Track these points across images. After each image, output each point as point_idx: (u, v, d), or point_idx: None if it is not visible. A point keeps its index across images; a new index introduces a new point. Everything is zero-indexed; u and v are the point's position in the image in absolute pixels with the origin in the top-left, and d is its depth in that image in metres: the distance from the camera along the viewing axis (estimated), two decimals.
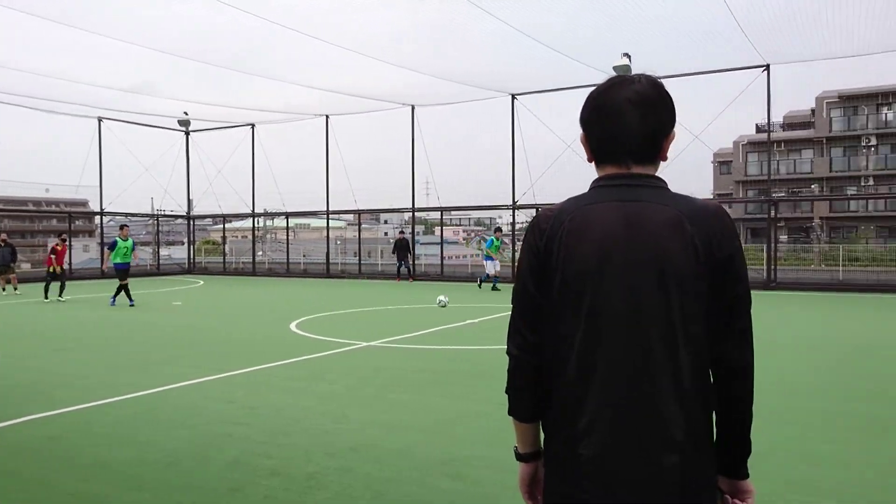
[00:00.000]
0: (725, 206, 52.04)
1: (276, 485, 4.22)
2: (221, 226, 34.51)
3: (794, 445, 4.97)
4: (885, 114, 47.86)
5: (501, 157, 25.01)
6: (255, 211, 30.16)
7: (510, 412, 1.74)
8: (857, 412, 5.92)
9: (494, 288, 19.85)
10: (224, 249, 34.47)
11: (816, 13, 16.31)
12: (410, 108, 25.24)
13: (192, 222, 33.05)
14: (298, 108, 25.59)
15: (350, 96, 22.76)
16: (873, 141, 47.47)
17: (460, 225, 79.55)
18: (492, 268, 20.31)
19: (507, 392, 1.74)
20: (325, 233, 29.87)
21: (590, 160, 1.71)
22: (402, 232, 26.85)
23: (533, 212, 25.51)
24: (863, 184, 47.32)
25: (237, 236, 45.00)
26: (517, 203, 23.73)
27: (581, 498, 1.53)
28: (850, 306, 15.47)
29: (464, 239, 70.62)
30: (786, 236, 46.16)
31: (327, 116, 27.05)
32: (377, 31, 17.91)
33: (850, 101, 48.63)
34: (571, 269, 1.58)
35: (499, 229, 22.66)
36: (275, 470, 4.49)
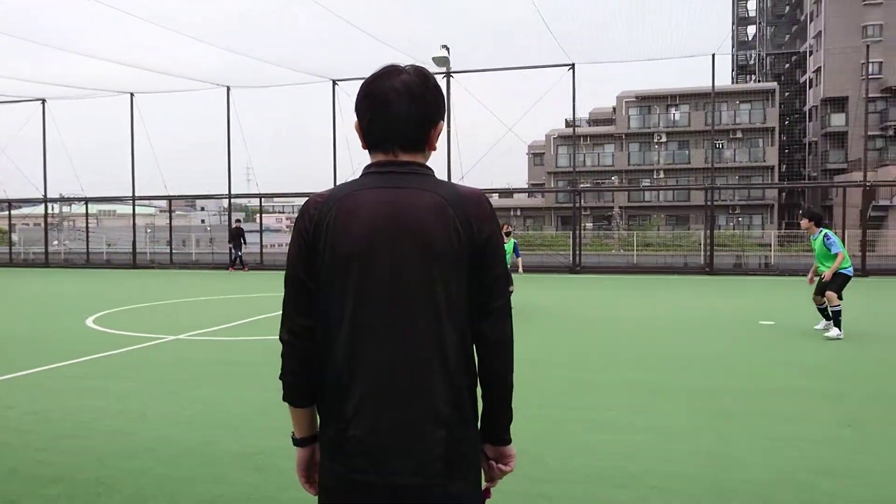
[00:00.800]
0: (538, 196, 55.36)
1: (58, 493, 3.87)
2: (7, 212, 30.85)
3: (583, 414, 5.42)
4: (674, 114, 53.31)
5: (324, 144, 24.75)
6: (49, 196, 27.29)
7: (284, 398, 1.75)
8: (642, 380, 6.57)
9: None
10: (10, 238, 30.87)
11: (616, 20, 17.76)
12: (226, 88, 24.10)
13: None
14: (99, 83, 23.47)
15: (160, 74, 21.26)
16: (664, 138, 52.71)
17: (283, 213, 77.44)
18: None
19: (280, 378, 1.74)
20: (132, 220, 27.73)
21: (364, 147, 1.74)
22: (238, 220, 25.74)
23: None
24: (655, 176, 52.43)
25: (28, 224, 40.45)
26: None
27: (352, 477, 1.57)
28: (641, 287, 17.11)
29: (287, 227, 68.85)
30: (591, 224, 50.02)
31: (132, 94, 25.07)
32: (190, 7, 16.89)
33: (645, 102, 53.59)
34: (337, 254, 1.60)
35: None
36: (58, 477, 4.11)
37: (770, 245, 28.56)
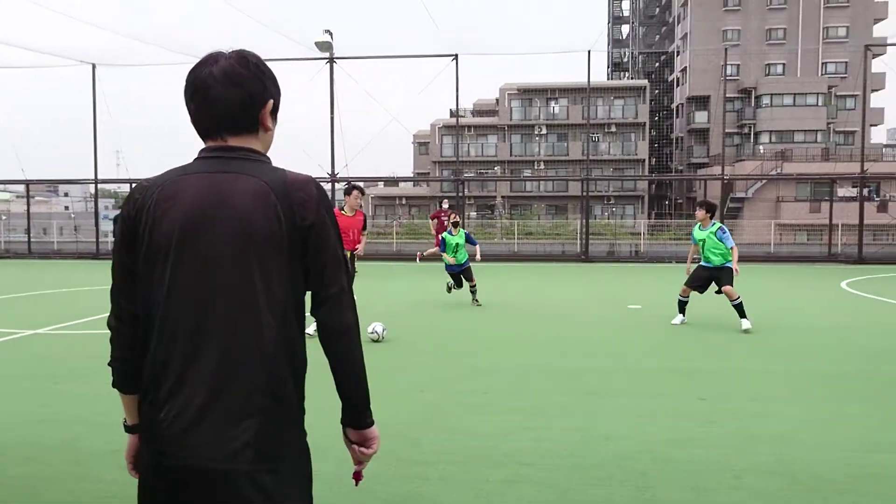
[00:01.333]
0: (423, 185, 55.59)
1: None
2: None
3: (461, 398, 5.57)
4: (553, 107, 55.18)
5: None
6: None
7: (113, 384, 1.74)
8: (518, 364, 6.82)
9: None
10: None
11: (500, 14, 18.11)
12: (91, 66, 22.54)
13: None
14: None
15: (18, 48, 19.57)
16: (544, 130, 54.47)
17: None
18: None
19: (109, 364, 1.73)
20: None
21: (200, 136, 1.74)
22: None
23: None
24: (536, 167, 54.14)
25: None
26: None
27: (165, 463, 1.56)
28: (521, 274, 17.66)
29: None
30: (475, 212, 50.96)
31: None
32: None
33: (527, 94, 55.11)
34: (156, 239, 1.60)
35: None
36: None
37: (640, 234, 30.25)
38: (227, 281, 1.57)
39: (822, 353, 7.50)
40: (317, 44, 21.51)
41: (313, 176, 1.68)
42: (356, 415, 1.76)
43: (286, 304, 1.62)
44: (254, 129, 1.70)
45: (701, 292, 9.29)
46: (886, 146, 52.50)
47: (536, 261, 22.62)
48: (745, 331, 8.59)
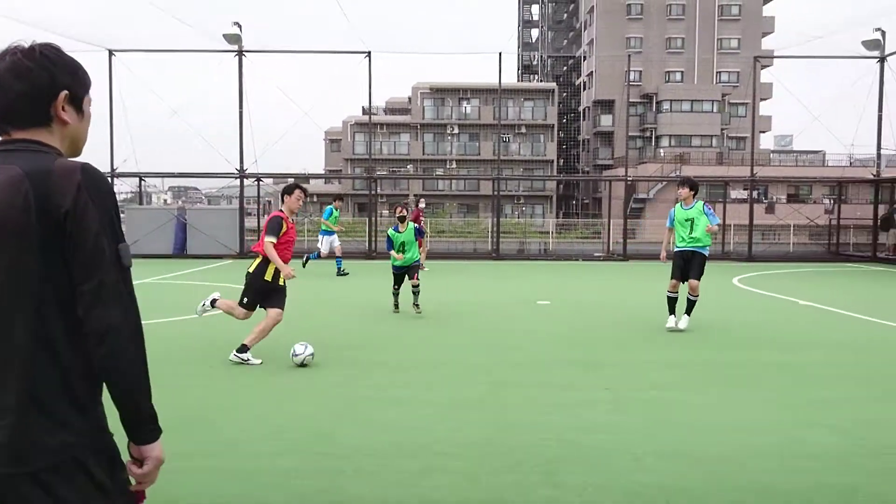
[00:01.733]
0: (335, 183, 54.88)
1: None
2: None
3: (378, 392, 5.61)
4: (465, 107, 55.82)
5: (100, 120, 22.40)
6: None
7: None
8: (433, 359, 6.92)
9: (342, 273, 16.12)
10: None
11: (413, 14, 18.17)
12: None
13: None
14: None
15: None
16: (456, 130, 55.02)
17: None
18: (327, 245, 16.29)
19: None
20: None
21: None
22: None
23: (136, 181, 23.61)
24: (448, 166, 54.60)
25: None
26: (116, 171, 21.69)
27: None
28: (433, 272, 17.80)
29: None
30: (387, 210, 50.89)
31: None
32: None
33: (439, 94, 55.50)
34: None
35: (339, 198, 18.06)
36: None
37: (549, 232, 31.11)
38: None
39: (714, 343, 7.99)
40: (225, 36, 20.93)
41: (88, 163, 1.59)
42: (129, 429, 1.61)
43: (42, 300, 1.52)
44: (44, 122, 1.64)
45: (683, 282, 8.86)
46: (774, 152, 56.06)
47: (449, 259, 22.85)
48: (681, 329, 8.50)
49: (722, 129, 54.88)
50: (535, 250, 26.24)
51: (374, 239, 23.14)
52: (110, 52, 21.24)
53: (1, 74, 1.61)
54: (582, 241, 30.80)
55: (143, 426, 1.62)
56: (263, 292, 6.72)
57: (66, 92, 1.64)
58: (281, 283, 6.72)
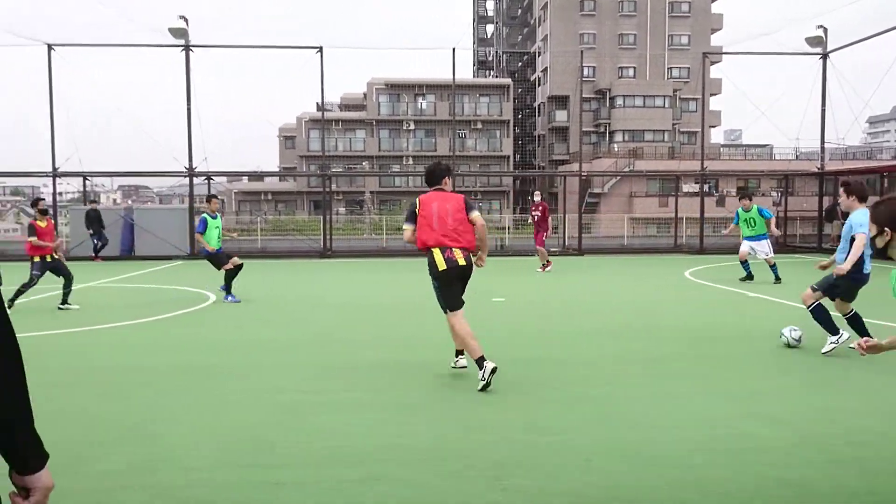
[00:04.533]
0: (290, 180, 54.16)
1: None
2: None
3: (322, 397, 5.45)
4: (421, 103, 55.62)
5: (40, 117, 21.55)
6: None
7: None
8: (382, 360, 6.78)
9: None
10: None
11: (366, 8, 17.96)
12: None
13: None
14: None
15: None
16: (412, 125, 54.80)
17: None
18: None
19: None
20: None
21: None
22: (93, 201, 21.80)
23: (80, 181, 22.84)
24: (404, 162, 54.36)
25: None
26: (58, 171, 20.93)
27: None
28: (389, 270, 17.65)
29: None
30: (343, 208, 50.43)
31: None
32: None
33: (395, 89, 55.20)
34: None
35: (212, 198, 14.06)
36: None
37: (506, 228, 31.17)
38: None
39: (659, 336, 8.03)
40: (170, 30, 20.38)
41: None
42: (13, 458, 1.44)
43: None
44: None
45: None
46: (724, 146, 57.25)
47: (405, 256, 22.69)
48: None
49: (673, 124, 55.84)
50: (490, 246, 26.24)
51: (329, 236, 22.83)
52: (49, 46, 20.49)
53: None
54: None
55: (28, 453, 1.45)
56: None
57: None
58: None
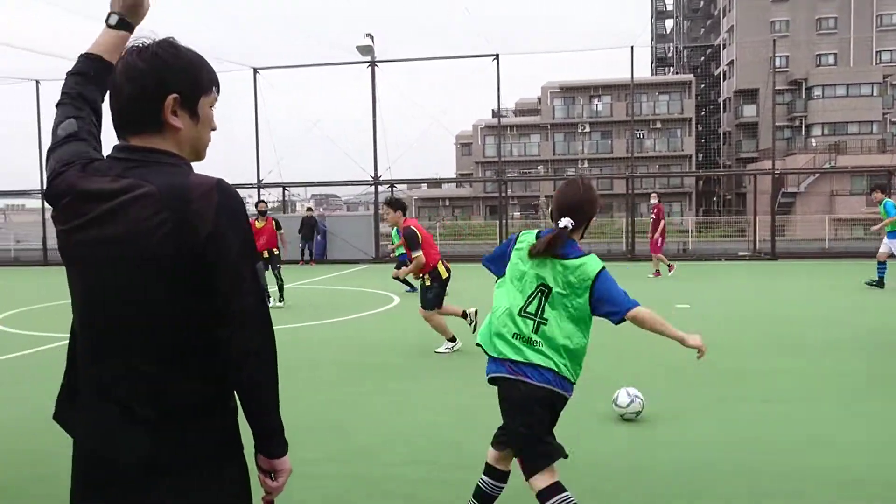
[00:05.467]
0: (466, 186, 55.47)
1: None
2: None
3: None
4: (596, 104, 54.57)
5: (248, 133, 23.95)
6: None
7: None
8: None
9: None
10: None
11: (540, 13, 18.02)
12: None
13: None
14: (2, 70, 22.15)
15: (67, 60, 20.17)
16: (587, 128, 53.91)
17: None
18: None
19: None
20: (41, 215, 26.34)
21: None
22: (309, 209, 23.51)
23: (280, 191, 24.99)
24: (579, 165, 53.58)
25: None
26: (262, 182, 23.07)
27: (77, 479, 1.62)
28: None
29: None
30: (518, 212, 50.73)
31: (38, 82, 23.76)
32: None
33: (569, 92, 54.63)
34: (65, 254, 1.61)
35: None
36: None
37: (688, 231, 29.66)
38: (114, 295, 1.52)
39: (876, 354, 7.19)
40: (358, 48, 21.68)
41: (222, 178, 1.54)
42: (261, 443, 1.62)
43: (178, 318, 1.52)
44: (155, 127, 1.57)
45: None
46: None
47: None
48: None
49: (884, 114, 49.99)
50: (672, 250, 25.06)
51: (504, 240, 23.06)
52: (255, 70, 22.65)
53: (117, 75, 1.57)
54: (725, 240, 29.14)
55: (275, 441, 1.61)
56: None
57: (175, 96, 1.54)
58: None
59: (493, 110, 54.63)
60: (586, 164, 53.32)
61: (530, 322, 2.80)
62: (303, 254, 21.74)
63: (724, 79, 58.75)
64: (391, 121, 32.73)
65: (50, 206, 1.63)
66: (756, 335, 8.25)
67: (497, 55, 21.47)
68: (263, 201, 12.63)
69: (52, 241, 28.43)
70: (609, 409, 4.90)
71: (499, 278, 3.04)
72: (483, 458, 3.20)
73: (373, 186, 22.85)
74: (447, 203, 56.71)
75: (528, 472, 2.81)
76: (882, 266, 12.22)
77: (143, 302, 1.51)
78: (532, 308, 2.81)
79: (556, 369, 2.77)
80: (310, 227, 21.69)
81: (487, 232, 33.62)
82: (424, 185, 54.27)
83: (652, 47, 70.03)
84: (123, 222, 1.49)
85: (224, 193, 1.51)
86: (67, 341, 1.68)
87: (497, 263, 3.08)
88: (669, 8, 73.88)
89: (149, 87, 1.53)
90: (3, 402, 5.83)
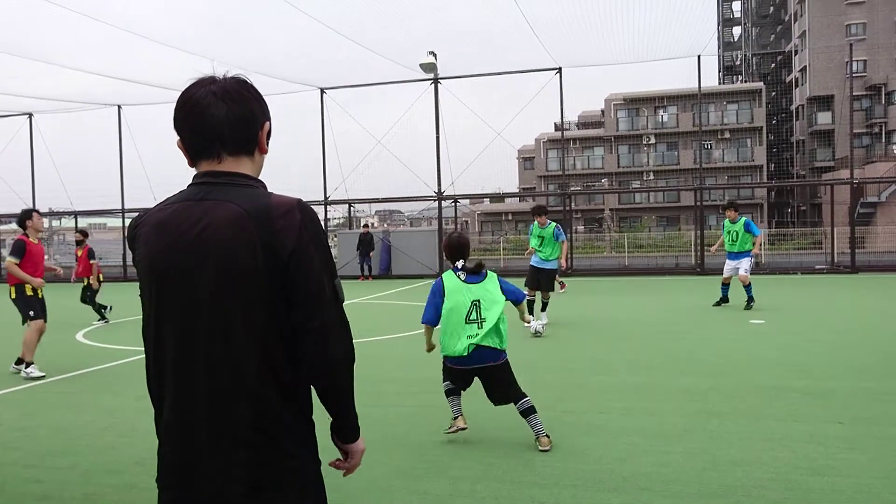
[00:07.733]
0: (529, 200, 55.29)
1: None
2: None
3: (574, 418, 5.41)
4: (662, 115, 53.53)
5: (312, 152, 24.56)
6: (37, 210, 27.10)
7: None
8: (633, 382, 6.57)
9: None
10: (0, 253, 30.66)
11: (602, 24, 17.88)
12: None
13: None
14: (86, 96, 23.36)
15: (146, 86, 21.16)
16: (653, 140, 52.91)
17: None
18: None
19: None
20: (122, 233, 27.57)
21: (190, 165, 1.69)
22: (366, 226, 23.95)
23: (346, 207, 25.43)
24: (645, 178, 52.61)
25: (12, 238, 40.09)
26: (329, 199, 23.53)
27: (165, 495, 1.63)
28: (633, 288, 17.12)
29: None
30: (582, 226, 50.15)
31: (119, 107, 24.96)
32: (172, 18, 16.90)
33: (633, 104, 53.78)
34: (144, 272, 1.63)
35: (82, 233, 14.31)
36: (45, 495, 4.08)
37: (761, 244, 28.68)
38: (203, 314, 1.56)
39: None
40: (421, 65, 21.93)
41: (301, 198, 1.62)
42: (339, 432, 1.77)
43: (269, 338, 1.57)
44: (251, 149, 1.66)
45: None
46: None
47: (648, 274, 21.90)
48: None
49: None
50: None
51: (570, 255, 22.79)
52: (322, 91, 23.19)
53: (216, 97, 1.61)
54: (800, 253, 28.06)
55: (351, 432, 1.76)
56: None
57: (268, 123, 1.70)
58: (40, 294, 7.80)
59: (555, 123, 54.30)
60: (652, 176, 52.31)
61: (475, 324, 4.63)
62: (362, 269, 22.07)
63: (797, 86, 56.78)
64: (454, 136, 32.92)
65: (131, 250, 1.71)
66: (836, 351, 7.88)
67: (560, 68, 21.37)
68: (81, 231, 12.87)
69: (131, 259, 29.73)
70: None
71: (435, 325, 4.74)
72: (556, 477, 3.14)
73: (436, 202, 23.01)
74: (510, 217, 56.51)
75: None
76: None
77: (234, 319, 1.55)
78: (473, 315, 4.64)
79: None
80: (367, 243, 21.99)
81: None
82: (487, 200, 54.23)
83: (719, 55, 68.37)
84: (213, 242, 1.55)
85: (305, 212, 1.59)
86: (145, 363, 1.73)
87: (436, 315, 4.70)
88: (737, 15, 72.04)
89: (255, 110, 1.66)
90: (87, 409, 6.08)
